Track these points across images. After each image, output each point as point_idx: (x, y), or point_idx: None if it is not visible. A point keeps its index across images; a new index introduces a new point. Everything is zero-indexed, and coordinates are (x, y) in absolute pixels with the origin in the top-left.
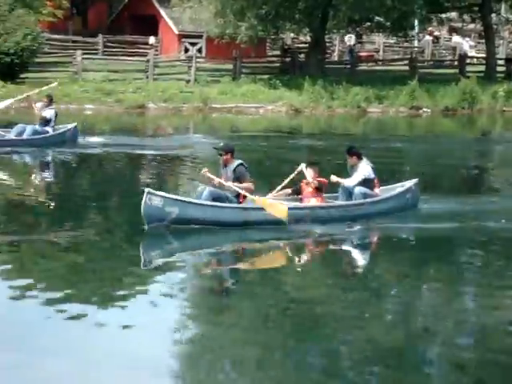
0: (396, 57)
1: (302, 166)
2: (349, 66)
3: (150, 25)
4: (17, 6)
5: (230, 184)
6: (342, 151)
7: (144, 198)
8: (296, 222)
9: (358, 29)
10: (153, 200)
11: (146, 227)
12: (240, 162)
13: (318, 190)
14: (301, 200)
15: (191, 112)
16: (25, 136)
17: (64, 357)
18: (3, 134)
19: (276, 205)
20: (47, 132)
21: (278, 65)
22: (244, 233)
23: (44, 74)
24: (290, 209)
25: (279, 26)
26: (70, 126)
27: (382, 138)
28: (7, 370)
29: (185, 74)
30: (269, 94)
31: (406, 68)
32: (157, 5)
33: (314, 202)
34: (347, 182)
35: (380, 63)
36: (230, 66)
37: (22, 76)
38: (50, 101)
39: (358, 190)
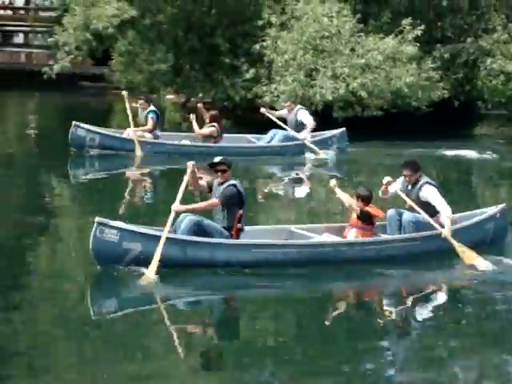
0: None
1: (332, 183)
2: None
3: None
4: None
5: (179, 207)
6: None
7: (93, 231)
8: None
9: None
10: (106, 233)
11: (97, 268)
12: (233, 182)
13: (362, 219)
14: (343, 229)
15: None
16: (274, 142)
17: None
18: (254, 140)
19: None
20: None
21: None
22: (237, 277)
23: None
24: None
25: None
26: (336, 131)
27: None
28: None
29: None
30: None
31: None
32: None
33: (352, 234)
34: (443, 211)
35: None
36: None
37: None
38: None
39: (409, 217)
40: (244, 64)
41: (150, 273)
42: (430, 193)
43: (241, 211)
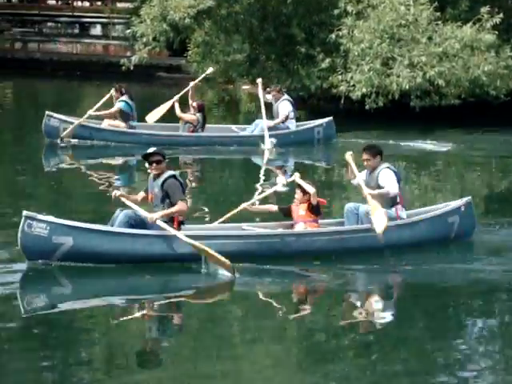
0: None
1: (296, 176)
2: None
3: None
4: None
5: (155, 215)
6: None
7: (21, 225)
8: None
9: None
10: (34, 227)
11: (25, 264)
12: (172, 173)
13: (313, 211)
14: (292, 226)
15: None
16: (256, 132)
17: None
18: (237, 130)
19: (219, 258)
20: (287, 128)
21: None
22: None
23: None
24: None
25: None
26: (322, 120)
27: None
28: None
29: None
30: None
31: None
32: None
33: (301, 227)
34: (389, 189)
35: None
36: None
37: None
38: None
39: (366, 209)
40: (320, 53)
41: (226, 266)
42: (386, 176)
43: None
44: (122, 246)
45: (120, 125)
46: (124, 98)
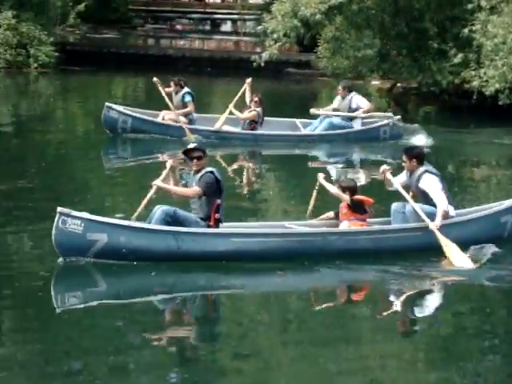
0: None
1: (319, 178)
2: None
3: None
4: None
5: (157, 182)
6: None
7: (56, 221)
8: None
9: None
10: (69, 223)
11: (60, 260)
12: (211, 169)
13: (354, 210)
14: (337, 225)
15: None
16: (318, 131)
17: None
18: (300, 126)
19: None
20: (351, 126)
21: None
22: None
23: None
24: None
25: None
26: (389, 119)
27: None
28: None
29: None
30: None
31: None
32: None
33: (345, 225)
34: (437, 202)
35: None
36: None
37: None
38: None
39: (412, 208)
40: (452, 48)
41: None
42: (427, 182)
43: (219, 201)
44: (156, 243)
45: (180, 118)
46: (186, 89)
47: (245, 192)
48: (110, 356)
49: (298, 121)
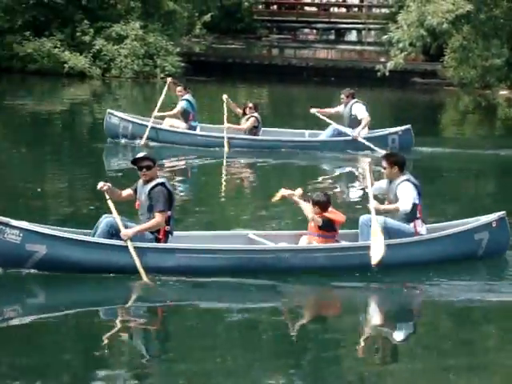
0: None
1: (296, 192)
2: None
3: None
4: None
5: (129, 232)
6: None
7: None
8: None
9: None
10: (7, 233)
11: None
12: (161, 180)
13: (324, 227)
14: (299, 237)
15: None
16: (322, 137)
17: None
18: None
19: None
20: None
21: None
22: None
23: None
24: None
25: None
26: (398, 128)
27: None
28: None
29: None
30: None
31: None
32: None
33: (304, 241)
34: (399, 205)
35: None
36: None
37: None
38: None
39: (381, 222)
40: None
41: (144, 278)
42: (401, 189)
43: (169, 212)
44: (96, 256)
45: (180, 125)
46: (187, 96)
47: (216, 200)
48: (45, 374)
49: (307, 132)
